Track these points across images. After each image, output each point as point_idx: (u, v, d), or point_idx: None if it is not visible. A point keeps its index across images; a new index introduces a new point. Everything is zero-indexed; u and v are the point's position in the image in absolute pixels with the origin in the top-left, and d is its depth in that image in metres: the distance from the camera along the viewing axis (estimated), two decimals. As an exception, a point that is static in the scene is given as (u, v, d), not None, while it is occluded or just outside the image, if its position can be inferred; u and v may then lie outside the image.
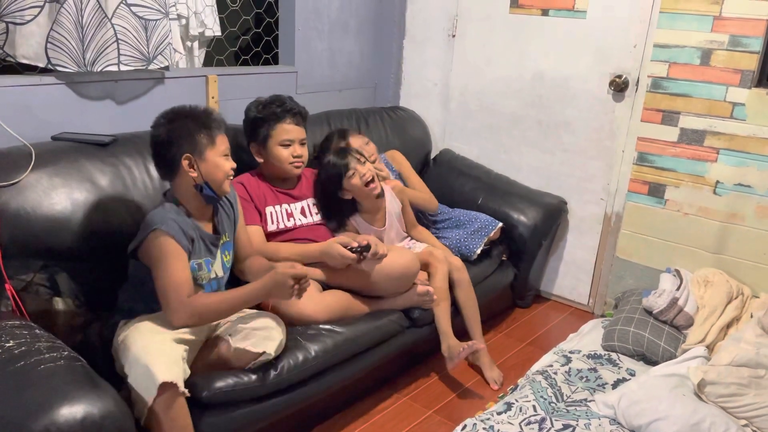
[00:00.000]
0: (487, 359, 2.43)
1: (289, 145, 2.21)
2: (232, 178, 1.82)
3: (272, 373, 1.78)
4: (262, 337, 1.75)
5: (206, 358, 1.76)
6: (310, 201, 2.33)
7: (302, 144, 2.25)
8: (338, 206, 2.34)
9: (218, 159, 1.76)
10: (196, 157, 1.72)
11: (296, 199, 2.30)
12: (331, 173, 2.30)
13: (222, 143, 1.77)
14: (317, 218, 2.32)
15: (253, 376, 1.73)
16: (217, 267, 1.86)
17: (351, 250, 2.06)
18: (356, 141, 2.52)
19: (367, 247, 2.06)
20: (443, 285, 2.32)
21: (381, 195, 2.37)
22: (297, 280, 1.73)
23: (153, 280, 1.67)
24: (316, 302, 2.02)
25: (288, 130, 2.20)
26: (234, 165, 1.82)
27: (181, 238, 1.68)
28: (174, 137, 1.71)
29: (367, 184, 2.30)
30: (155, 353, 1.54)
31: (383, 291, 2.19)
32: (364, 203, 2.37)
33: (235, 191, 2.00)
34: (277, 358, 1.80)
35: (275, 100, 2.22)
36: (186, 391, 1.54)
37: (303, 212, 2.29)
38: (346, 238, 2.12)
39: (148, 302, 1.71)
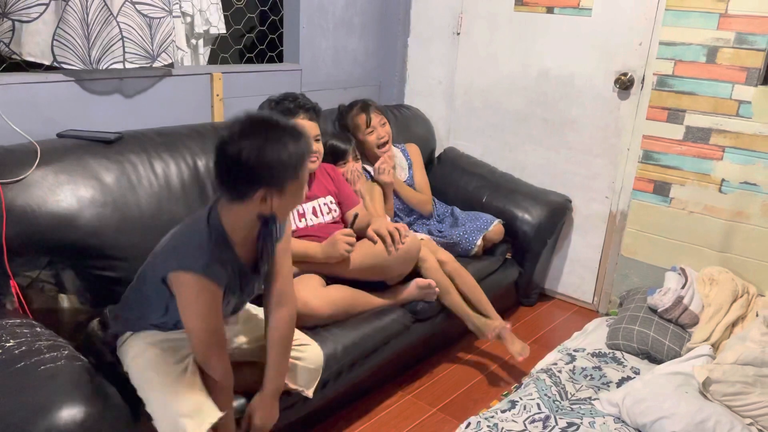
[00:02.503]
0: (508, 334, 2.41)
1: None
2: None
3: None
4: (305, 378, 1.76)
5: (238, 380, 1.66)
6: (321, 201, 2.31)
7: (317, 140, 2.24)
8: None
9: (298, 193, 1.49)
10: (275, 189, 1.42)
11: (307, 199, 2.28)
12: (330, 151, 2.47)
13: (305, 172, 1.49)
14: (328, 218, 2.30)
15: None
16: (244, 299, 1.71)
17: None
18: (375, 118, 2.68)
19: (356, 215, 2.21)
20: (442, 276, 2.33)
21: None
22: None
23: (175, 311, 1.51)
24: (321, 296, 2.03)
25: (303, 125, 2.16)
26: (307, 190, 1.73)
27: (221, 279, 1.47)
28: (255, 163, 1.38)
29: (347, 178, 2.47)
30: (180, 400, 1.45)
31: (387, 273, 2.21)
32: None
33: (288, 222, 1.81)
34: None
35: (287, 96, 2.22)
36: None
37: (314, 212, 2.28)
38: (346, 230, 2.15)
39: (151, 318, 1.61)
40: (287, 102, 2.19)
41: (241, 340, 1.76)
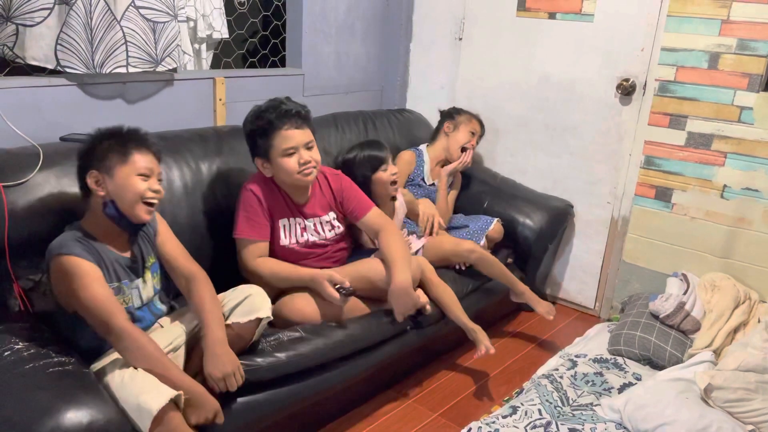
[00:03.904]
0: (531, 296, 2.52)
1: (294, 153, 2.00)
2: (151, 202, 1.67)
3: (272, 359, 1.79)
4: (248, 308, 1.75)
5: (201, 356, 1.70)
6: (324, 218, 2.19)
7: (308, 147, 2.04)
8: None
9: (130, 178, 1.63)
10: (104, 173, 1.63)
11: (307, 216, 2.16)
12: (367, 160, 2.39)
13: (139, 161, 1.65)
14: (331, 234, 2.21)
15: (247, 362, 1.73)
16: (147, 291, 1.77)
17: (339, 290, 1.99)
18: (480, 131, 2.93)
19: (352, 293, 2.03)
20: (442, 293, 2.30)
21: (394, 198, 2.49)
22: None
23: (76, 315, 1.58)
24: (313, 303, 2.02)
25: (288, 137, 1.99)
26: (156, 188, 1.67)
27: (87, 256, 1.58)
28: (88, 154, 1.66)
29: (392, 182, 2.42)
30: (131, 384, 1.49)
31: (377, 296, 2.16)
32: (378, 201, 2.36)
33: (155, 215, 1.83)
34: (279, 347, 1.82)
35: (269, 107, 2.01)
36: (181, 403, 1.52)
37: (316, 229, 2.18)
38: (338, 276, 2.02)
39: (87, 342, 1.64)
40: (269, 113, 2.00)
41: (176, 333, 1.76)
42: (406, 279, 2.05)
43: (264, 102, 2.06)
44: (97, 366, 1.57)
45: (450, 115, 2.91)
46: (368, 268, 2.13)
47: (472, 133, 2.87)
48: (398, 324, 2.16)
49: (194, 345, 1.75)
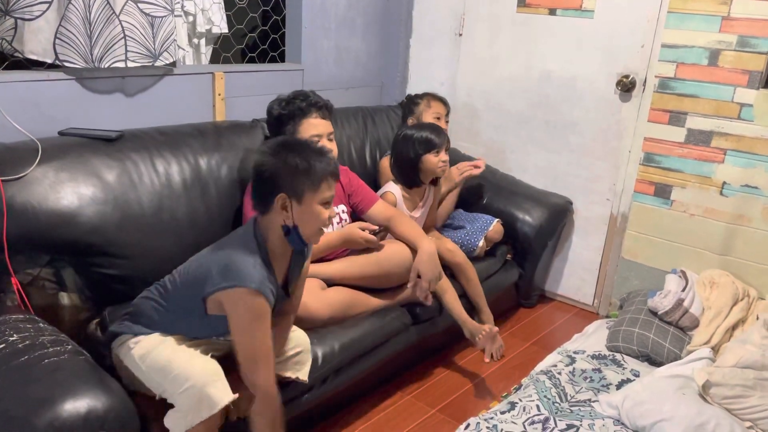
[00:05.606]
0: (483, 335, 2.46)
1: (317, 141, 2.07)
2: (326, 230, 1.67)
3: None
4: (294, 362, 1.77)
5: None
6: (333, 210, 2.27)
7: (330, 139, 2.17)
8: (406, 166, 2.46)
9: (317, 207, 1.58)
10: (293, 199, 1.55)
11: None
12: (425, 141, 2.43)
13: (327, 190, 1.59)
14: (337, 227, 2.25)
15: None
16: None
17: (371, 233, 2.12)
18: (444, 111, 2.80)
19: (384, 230, 2.19)
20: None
21: (435, 184, 2.57)
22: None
23: (228, 331, 1.54)
24: (320, 299, 2.03)
25: (315, 124, 2.14)
26: (334, 214, 1.67)
27: (271, 298, 1.54)
28: (275, 172, 1.55)
29: (438, 166, 2.46)
30: (203, 372, 1.50)
31: (389, 282, 2.20)
32: (419, 180, 2.47)
33: None
34: None
35: (298, 95, 2.16)
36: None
37: None
38: (364, 224, 2.15)
39: (177, 328, 1.62)
40: (298, 101, 2.13)
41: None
42: (432, 246, 2.16)
43: (288, 93, 2.17)
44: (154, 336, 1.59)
45: (409, 110, 2.81)
46: (390, 251, 2.16)
47: (437, 117, 2.74)
48: (399, 322, 2.18)
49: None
